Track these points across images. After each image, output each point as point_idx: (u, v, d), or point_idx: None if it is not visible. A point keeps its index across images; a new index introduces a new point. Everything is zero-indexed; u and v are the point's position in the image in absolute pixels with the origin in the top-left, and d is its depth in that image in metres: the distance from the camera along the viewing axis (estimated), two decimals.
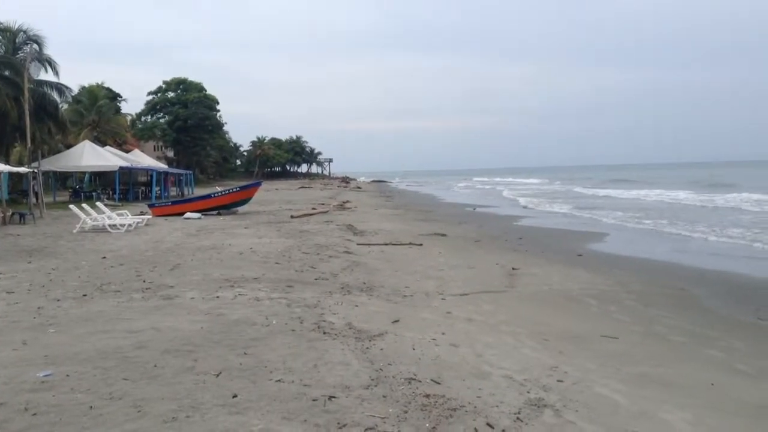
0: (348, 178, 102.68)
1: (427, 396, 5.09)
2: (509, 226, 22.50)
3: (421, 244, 15.53)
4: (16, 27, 34.66)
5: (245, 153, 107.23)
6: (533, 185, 73.79)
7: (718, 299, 10.04)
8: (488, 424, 4.57)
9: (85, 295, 8.90)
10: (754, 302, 9.81)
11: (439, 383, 5.45)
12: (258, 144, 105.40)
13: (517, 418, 4.73)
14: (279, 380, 5.29)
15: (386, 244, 15.32)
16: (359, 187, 67.77)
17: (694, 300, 10.01)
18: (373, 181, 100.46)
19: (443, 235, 18.30)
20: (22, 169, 26.03)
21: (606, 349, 6.87)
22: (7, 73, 31.86)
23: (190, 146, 74.56)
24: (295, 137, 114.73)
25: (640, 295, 10.07)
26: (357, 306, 8.34)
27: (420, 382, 5.43)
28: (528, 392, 5.31)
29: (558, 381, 5.64)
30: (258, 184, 30.30)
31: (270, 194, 44.66)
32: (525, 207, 35.07)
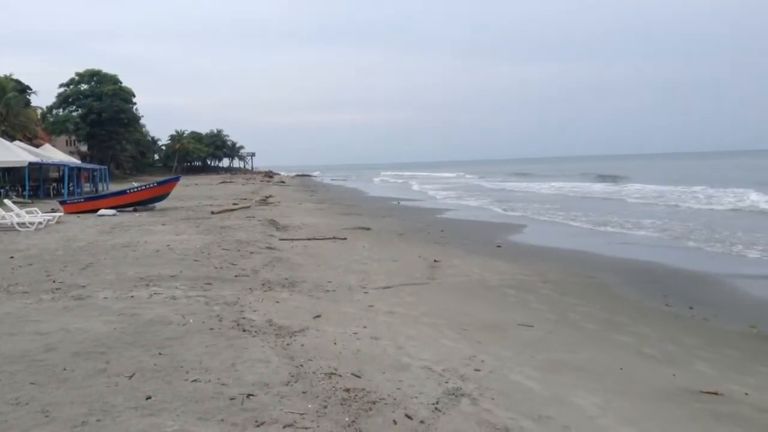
0: (272, 172, 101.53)
1: (347, 390, 5.09)
2: (432, 219, 22.80)
3: (345, 238, 15.52)
4: None
5: (163, 147, 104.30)
6: (449, 179, 75.46)
7: (628, 287, 10.49)
8: (407, 416, 4.61)
9: None
10: (662, 289, 10.30)
11: (359, 377, 5.46)
12: (177, 138, 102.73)
13: (436, 408, 4.80)
14: (195, 380, 5.18)
15: (309, 239, 15.23)
16: (283, 182, 67.16)
17: (606, 288, 10.43)
18: (297, 176, 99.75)
19: (367, 228, 18.36)
20: None
21: (522, 337, 7.05)
22: None
23: (105, 140, 71.89)
24: (216, 131, 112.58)
25: (556, 284, 10.41)
26: (278, 302, 8.26)
27: (340, 376, 5.43)
28: (446, 382, 5.39)
29: (475, 370, 5.75)
30: (176, 180, 29.54)
31: (189, 189, 43.65)
32: (436, 199, 35.71)
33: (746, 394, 5.47)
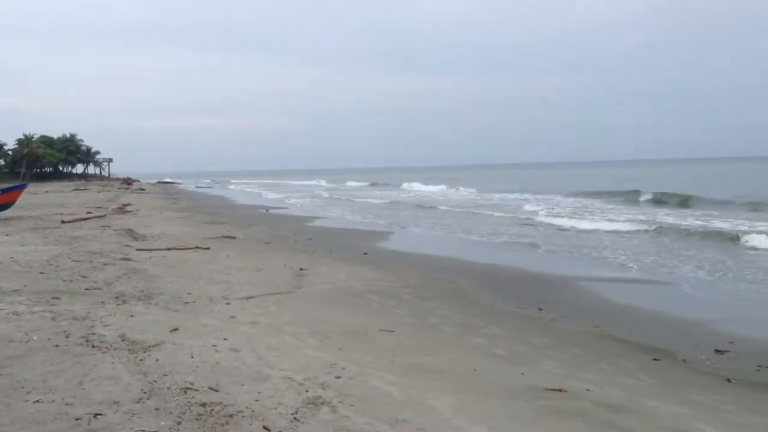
0: (130, 179, 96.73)
1: (204, 404, 4.95)
2: (300, 227, 22.69)
3: (207, 248, 15.09)
4: None
5: (10, 152, 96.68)
6: (308, 186, 76.59)
7: (484, 291, 10.98)
8: (265, 428, 4.56)
9: None
10: (514, 292, 10.86)
11: (217, 390, 5.32)
12: (25, 142, 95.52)
13: (294, 418, 4.77)
14: (38, 401, 4.84)
15: (169, 249, 14.67)
16: (143, 189, 64.23)
17: (463, 292, 10.85)
18: (159, 182, 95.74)
19: (232, 237, 17.96)
20: None
21: (383, 343, 7.18)
22: None
23: None
24: (69, 135, 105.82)
25: (417, 290, 10.69)
26: (132, 316, 7.88)
27: (197, 390, 5.27)
28: (306, 391, 5.38)
29: (336, 377, 5.78)
30: (23, 187, 27.45)
31: (38, 197, 40.70)
32: (305, 207, 35.79)
33: (588, 390, 5.87)
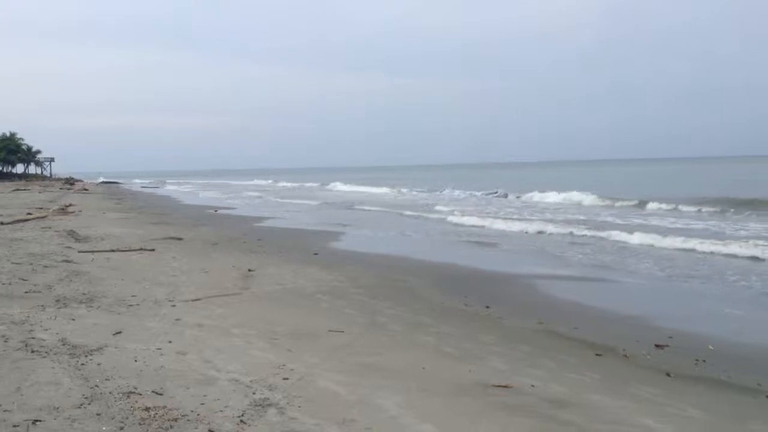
0: (73, 179, 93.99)
1: (147, 409, 4.86)
2: (249, 228, 22.46)
3: (153, 249, 14.80)
4: None
5: None
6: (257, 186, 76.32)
7: (433, 289, 11.07)
8: (210, 431, 4.50)
9: None
10: (463, 290, 10.97)
11: (161, 394, 5.23)
12: None
13: (241, 421, 4.73)
14: None
15: (113, 251, 14.34)
16: (86, 189, 62.54)
17: (413, 291, 10.92)
18: (103, 182, 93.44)
19: (179, 238, 17.65)
20: None
21: (332, 343, 7.16)
22: None
23: None
24: (9, 134, 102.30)
25: (367, 289, 10.71)
26: (74, 319, 7.68)
27: (140, 395, 5.17)
28: (253, 393, 5.33)
29: (284, 379, 5.74)
30: None
31: None
32: (257, 207, 35.49)
33: (533, 385, 5.97)
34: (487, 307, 9.72)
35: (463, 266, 13.90)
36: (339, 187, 64.81)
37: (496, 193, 46.32)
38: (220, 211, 31.84)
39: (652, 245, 16.89)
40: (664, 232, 19.38)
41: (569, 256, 15.55)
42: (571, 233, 20.00)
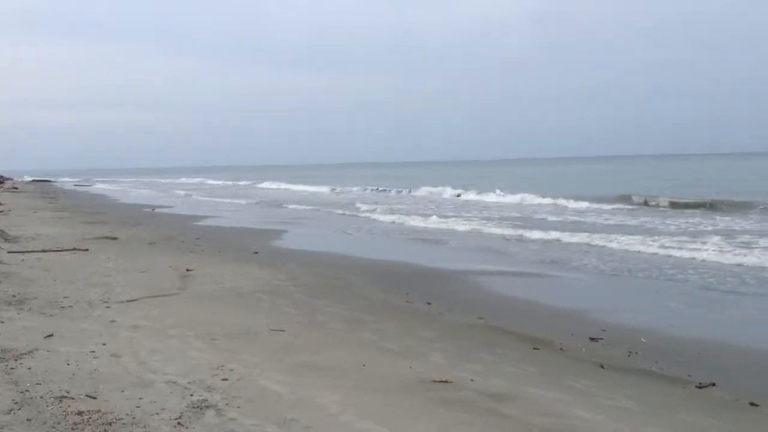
0: (2, 177, 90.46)
1: (81, 413, 4.73)
2: (188, 227, 22.03)
3: (86, 249, 14.37)
4: None
5: None
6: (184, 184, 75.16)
7: (374, 286, 11.09)
8: None
9: None
10: (404, 286, 11.04)
11: (95, 398, 5.10)
12: None
13: (178, 423, 4.65)
14: None
15: (45, 251, 13.85)
16: (16, 188, 60.02)
17: (355, 288, 10.92)
18: (34, 181, 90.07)
19: (114, 238, 17.18)
20: None
21: (272, 342, 7.10)
22: None
23: None
24: None
25: (308, 287, 10.65)
26: (3, 322, 7.41)
27: (73, 399, 5.03)
28: (191, 395, 5.24)
29: (223, 380, 5.67)
30: None
31: None
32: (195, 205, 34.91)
33: (472, 380, 6.05)
34: (429, 303, 9.80)
35: (404, 263, 13.98)
36: (270, 185, 64.46)
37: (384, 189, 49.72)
38: (157, 210, 31.14)
39: (587, 243, 17.32)
40: (594, 228, 19.95)
41: (508, 253, 15.84)
42: (502, 233, 20.17)
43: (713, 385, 6.40)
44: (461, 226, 21.73)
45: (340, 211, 29.88)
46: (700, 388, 6.37)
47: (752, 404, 5.90)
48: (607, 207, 28.28)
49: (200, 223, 23.76)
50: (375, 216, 26.57)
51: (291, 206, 33.71)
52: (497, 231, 20.20)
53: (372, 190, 50.82)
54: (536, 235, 18.60)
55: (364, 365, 6.31)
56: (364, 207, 31.14)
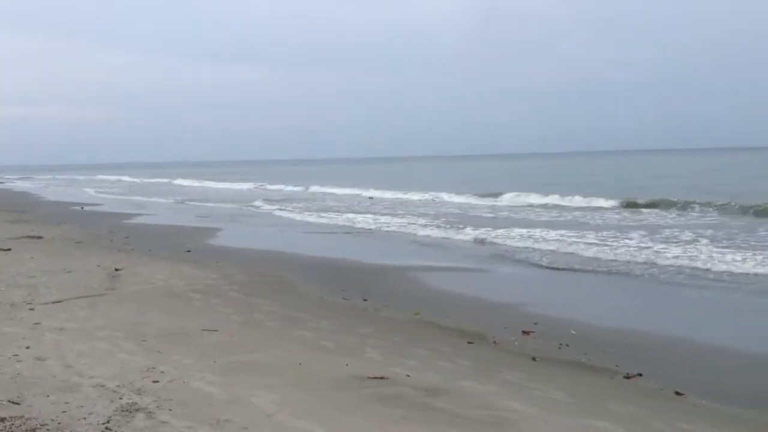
0: None
1: (3, 420, 4.54)
2: (118, 225, 21.39)
3: (9, 249, 13.78)
4: None
5: None
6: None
7: (311, 284, 11.04)
8: None
9: None
10: (340, 283, 11.02)
11: (18, 403, 4.90)
12: None
13: (106, 428, 4.51)
14: None
15: None
16: None
17: (291, 286, 10.85)
18: None
19: (38, 237, 16.54)
20: None
21: (206, 342, 6.97)
22: None
23: None
24: None
25: (243, 286, 10.51)
26: None
27: None
28: (120, 398, 5.09)
29: (153, 382, 5.52)
30: None
31: None
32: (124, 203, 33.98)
33: (408, 375, 6.08)
34: (365, 299, 9.82)
35: (340, 259, 13.95)
36: (194, 183, 63.18)
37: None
38: (86, 208, 30.12)
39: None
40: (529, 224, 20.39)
41: (441, 248, 16.03)
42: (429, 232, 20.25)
43: (640, 375, 6.64)
44: (383, 225, 21.79)
45: (271, 207, 29.65)
46: (627, 378, 6.60)
47: (677, 393, 6.15)
48: (503, 203, 29.15)
49: (130, 221, 23.13)
50: (280, 213, 26.81)
51: (221, 204, 33.16)
52: (423, 229, 20.23)
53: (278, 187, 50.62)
54: (467, 231, 18.79)
55: (300, 363, 6.25)
56: (265, 206, 30.65)
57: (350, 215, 24.44)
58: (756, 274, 11.62)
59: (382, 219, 23.12)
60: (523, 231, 18.33)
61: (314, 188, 45.50)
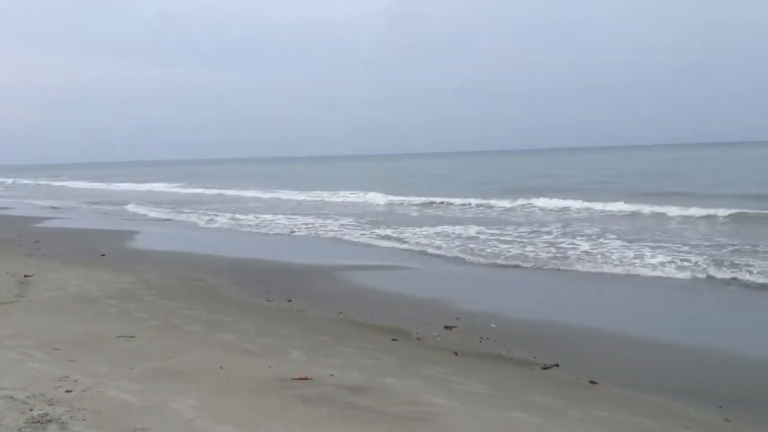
0: None
1: None
2: (26, 229, 20.41)
3: None
4: None
5: None
6: None
7: (234, 286, 10.84)
8: None
9: None
10: (264, 285, 10.89)
11: None
12: None
13: None
14: None
15: None
16: None
17: (213, 288, 10.62)
18: None
19: None
20: None
21: (122, 349, 6.73)
22: None
23: None
24: None
25: (161, 290, 10.21)
26: None
27: None
28: (31, 410, 4.85)
29: (66, 391, 5.29)
30: None
31: None
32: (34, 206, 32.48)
33: (332, 375, 6.06)
34: (289, 300, 9.73)
35: (263, 260, 13.79)
36: (76, 183, 62.19)
37: None
38: None
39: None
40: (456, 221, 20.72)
41: (361, 246, 16.08)
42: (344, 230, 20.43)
43: (557, 365, 6.87)
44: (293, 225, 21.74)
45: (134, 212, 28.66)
46: (545, 369, 6.81)
47: (591, 382, 6.40)
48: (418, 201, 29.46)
49: (40, 225, 22.12)
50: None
51: (138, 210, 32.17)
52: (344, 229, 20.23)
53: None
54: (388, 230, 18.92)
55: (221, 367, 6.13)
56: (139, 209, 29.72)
57: (269, 216, 24.14)
58: (660, 264, 12.18)
59: (302, 219, 22.95)
60: (440, 229, 18.64)
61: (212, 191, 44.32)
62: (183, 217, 25.12)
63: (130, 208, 30.59)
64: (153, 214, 27.14)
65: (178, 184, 54.57)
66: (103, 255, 14.29)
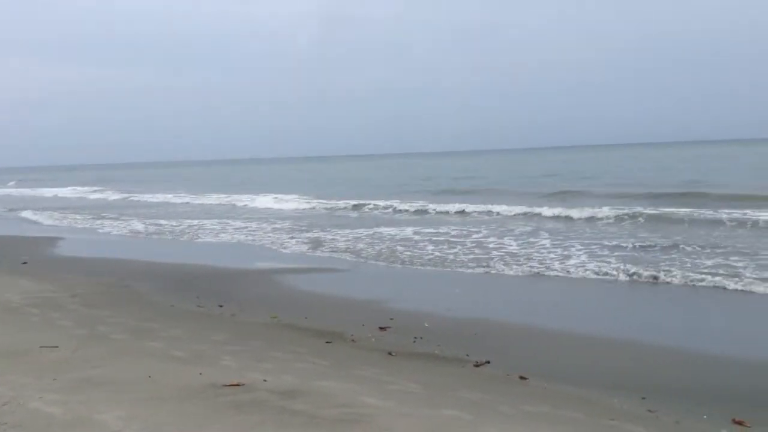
0: None
1: None
2: None
3: None
4: None
5: None
6: None
7: (162, 292, 10.58)
8: None
9: None
10: (195, 290, 10.68)
11: None
12: None
13: None
14: None
15: None
16: None
17: (139, 295, 10.34)
18: None
19: None
20: None
21: (45, 360, 6.47)
22: None
23: None
24: None
25: (86, 298, 9.87)
26: None
27: None
28: None
29: None
30: None
31: None
32: None
33: (264, 380, 5.99)
34: (221, 305, 9.57)
35: (191, 265, 13.52)
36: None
37: None
38: None
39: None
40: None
41: (291, 249, 15.98)
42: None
43: (488, 362, 6.99)
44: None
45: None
46: (477, 366, 6.93)
47: (521, 378, 6.55)
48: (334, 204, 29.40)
49: None
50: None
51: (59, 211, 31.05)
52: (270, 234, 19.89)
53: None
54: (312, 234, 18.84)
55: (149, 376, 5.97)
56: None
57: (194, 222, 23.52)
58: (582, 264, 12.57)
59: (232, 224, 22.51)
60: (362, 231, 18.72)
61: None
62: (87, 224, 24.16)
63: (27, 215, 29.03)
64: (49, 222, 25.50)
65: (87, 189, 52.95)
66: (25, 262, 13.73)
